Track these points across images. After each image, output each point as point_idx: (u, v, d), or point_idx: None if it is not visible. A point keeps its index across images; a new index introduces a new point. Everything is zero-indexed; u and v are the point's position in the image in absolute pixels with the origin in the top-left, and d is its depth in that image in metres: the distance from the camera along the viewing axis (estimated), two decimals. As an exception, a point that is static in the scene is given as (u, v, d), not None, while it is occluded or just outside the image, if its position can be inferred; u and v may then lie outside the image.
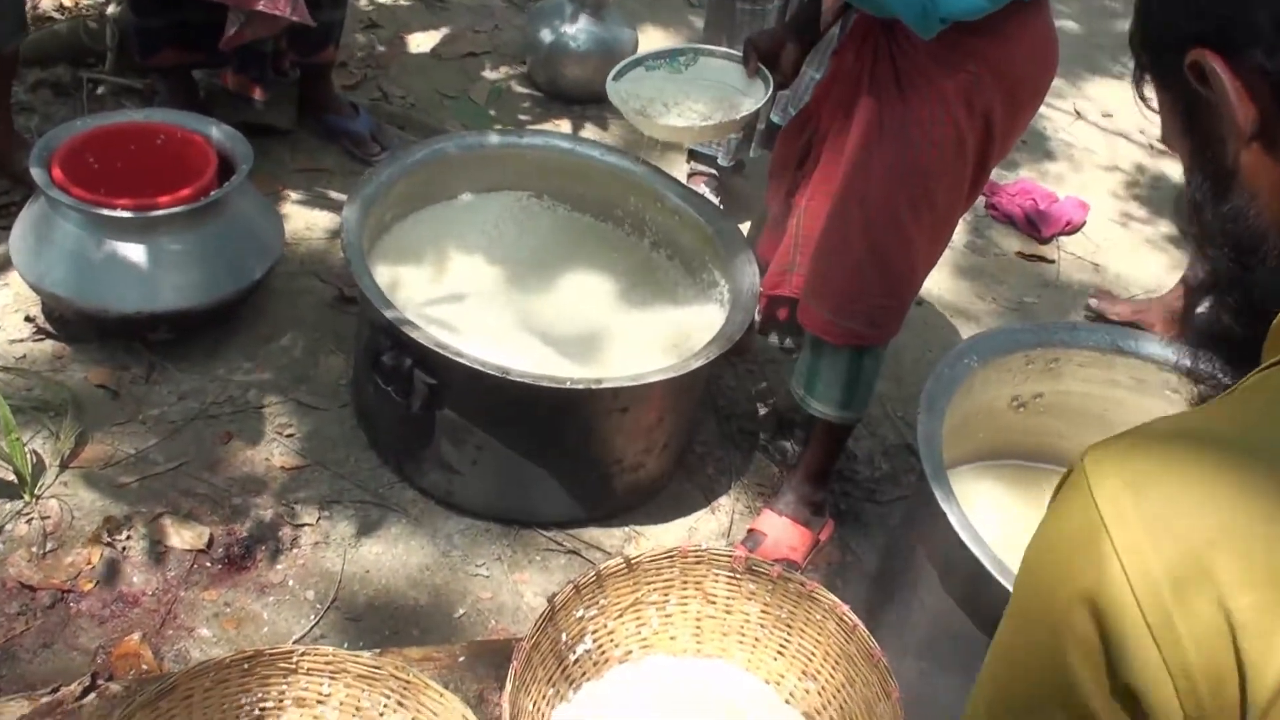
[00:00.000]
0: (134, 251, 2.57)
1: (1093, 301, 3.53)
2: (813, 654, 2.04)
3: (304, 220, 3.21)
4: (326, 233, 3.18)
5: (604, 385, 2.27)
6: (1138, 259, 3.89)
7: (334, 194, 3.31)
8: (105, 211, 2.52)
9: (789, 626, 2.06)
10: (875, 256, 2.24)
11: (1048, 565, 0.83)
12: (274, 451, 2.57)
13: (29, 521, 2.31)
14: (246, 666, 1.79)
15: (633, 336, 2.64)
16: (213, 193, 2.62)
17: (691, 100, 2.47)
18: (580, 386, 2.25)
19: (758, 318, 2.55)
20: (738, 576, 2.06)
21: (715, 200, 3.34)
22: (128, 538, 2.32)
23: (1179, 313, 3.31)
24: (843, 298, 2.31)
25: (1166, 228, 4.07)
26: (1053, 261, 3.77)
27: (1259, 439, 0.79)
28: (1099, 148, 4.48)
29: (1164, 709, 0.76)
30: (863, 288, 2.28)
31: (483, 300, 2.64)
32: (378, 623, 2.29)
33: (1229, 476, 0.78)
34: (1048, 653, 0.81)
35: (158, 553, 2.31)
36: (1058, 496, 0.84)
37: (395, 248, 2.69)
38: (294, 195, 3.29)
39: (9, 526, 2.29)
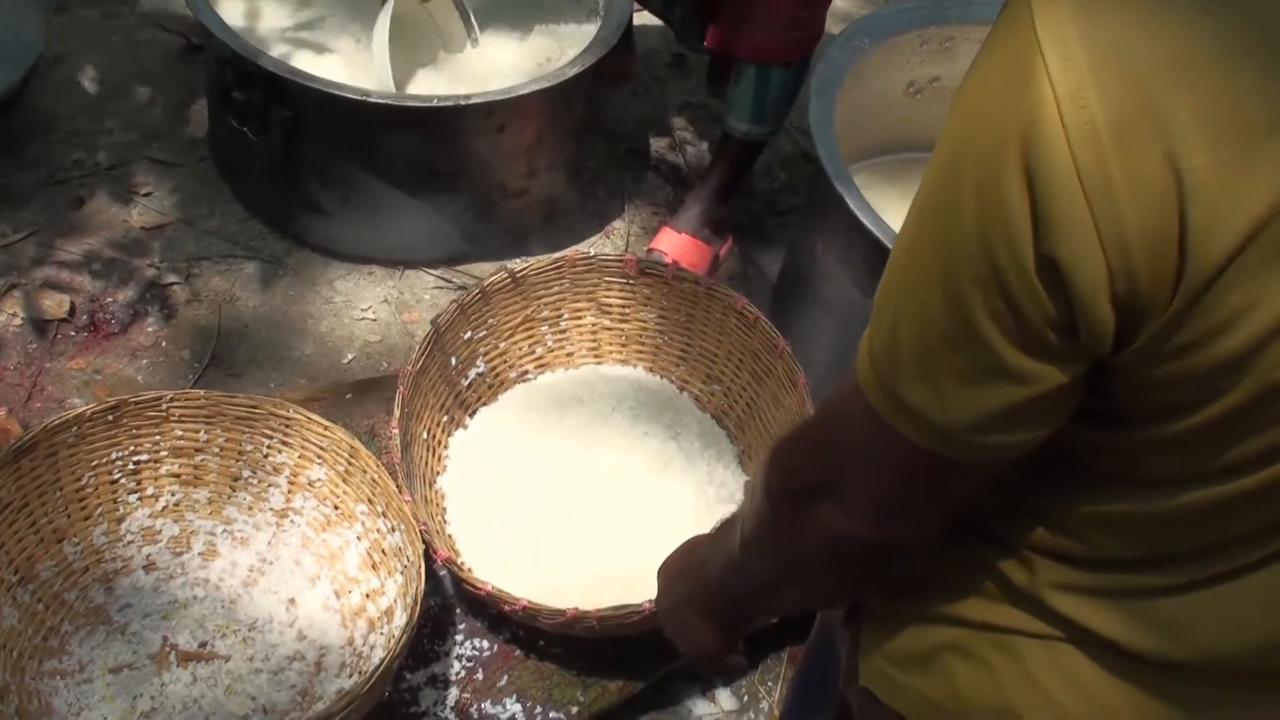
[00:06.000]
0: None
1: None
2: (715, 355, 1.96)
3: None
4: (165, -19, 2.92)
5: (473, 101, 2.11)
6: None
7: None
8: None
9: (689, 330, 1.98)
10: None
11: (976, 113, 0.69)
12: (132, 213, 2.40)
13: None
14: (111, 418, 1.68)
15: (503, 56, 2.45)
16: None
17: None
18: (449, 104, 2.09)
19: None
20: (631, 282, 1.96)
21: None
22: (-20, 313, 2.16)
23: None
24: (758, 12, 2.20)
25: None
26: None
27: None
28: None
29: (1090, 286, 0.65)
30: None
31: (340, 29, 2.43)
32: (262, 376, 2.17)
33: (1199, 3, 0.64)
34: (971, 213, 0.68)
35: (16, 325, 2.16)
36: (995, 27, 0.69)
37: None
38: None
39: None
